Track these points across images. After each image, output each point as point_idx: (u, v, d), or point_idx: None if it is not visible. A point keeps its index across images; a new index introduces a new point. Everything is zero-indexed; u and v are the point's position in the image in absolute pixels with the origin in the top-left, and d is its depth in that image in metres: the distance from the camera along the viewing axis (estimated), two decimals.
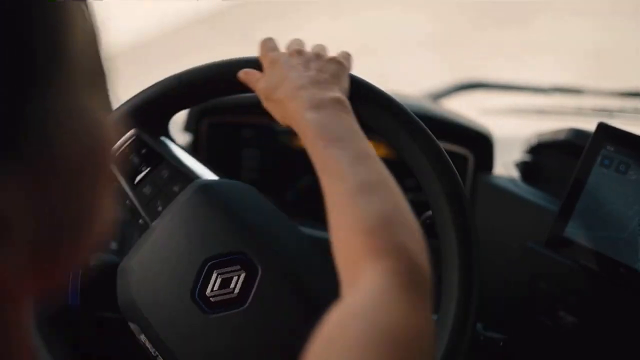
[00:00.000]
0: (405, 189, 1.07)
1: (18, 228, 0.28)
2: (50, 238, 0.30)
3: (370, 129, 0.70)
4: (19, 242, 0.28)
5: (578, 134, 0.93)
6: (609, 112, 1.19)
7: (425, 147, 0.66)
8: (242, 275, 0.64)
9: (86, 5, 0.32)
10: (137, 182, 0.72)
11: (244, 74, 0.68)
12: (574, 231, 0.80)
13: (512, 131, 1.26)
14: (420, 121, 0.68)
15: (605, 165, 0.79)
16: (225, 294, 0.64)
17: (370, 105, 0.68)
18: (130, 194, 0.71)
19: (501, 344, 0.71)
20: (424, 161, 0.66)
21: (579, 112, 1.26)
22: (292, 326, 0.64)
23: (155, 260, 0.66)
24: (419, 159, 0.67)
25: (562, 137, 0.96)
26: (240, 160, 1.11)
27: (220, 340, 0.63)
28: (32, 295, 0.31)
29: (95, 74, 0.32)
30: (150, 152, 0.72)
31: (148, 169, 0.72)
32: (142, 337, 0.66)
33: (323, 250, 0.71)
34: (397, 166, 1.06)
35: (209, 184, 0.70)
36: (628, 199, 0.77)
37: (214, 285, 0.64)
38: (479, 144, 1.07)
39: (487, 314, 0.70)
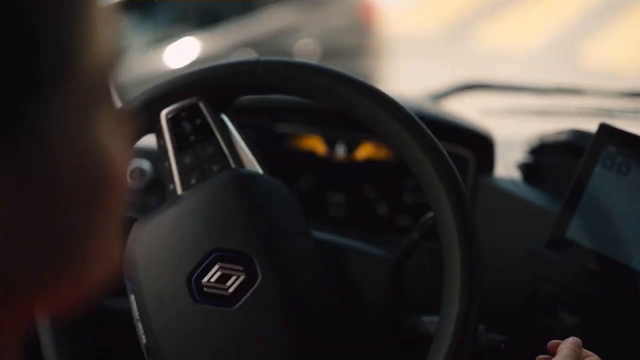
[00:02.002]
0: (406, 190, 1.07)
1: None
2: (35, 256, 0.28)
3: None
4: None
5: (579, 134, 0.93)
6: (611, 112, 1.19)
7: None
8: (242, 278, 0.64)
9: (110, 16, 0.31)
10: (182, 149, 0.71)
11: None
12: (575, 232, 0.79)
13: (513, 132, 1.25)
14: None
15: (606, 166, 0.79)
16: (219, 288, 0.64)
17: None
18: (171, 157, 0.71)
19: (503, 346, 0.70)
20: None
21: (580, 112, 1.26)
22: (271, 342, 0.63)
23: (168, 230, 0.66)
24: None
25: (563, 138, 0.96)
26: None
27: (199, 331, 0.63)
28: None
29: (103, 94, 0.30)
30: (204, 125, 0.71)
31: (196, 140, 0.71)
32: (132, 297, 0.66)
33: (328, 257, 0.71)
34: (398, 167, 1.06)
35: (247, 175, 0.69)
36: (630, 199, 0.77)
37: (211, 277, 0.64)
38: (480, 145, 1.07)
39: (488, 315, 0.70)
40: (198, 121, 0.71)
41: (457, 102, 1.56)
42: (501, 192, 1.01)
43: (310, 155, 1.05)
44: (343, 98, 0.68)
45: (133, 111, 0.71)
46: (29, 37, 0.26)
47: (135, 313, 0.65)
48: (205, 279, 0.64)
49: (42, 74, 0.27)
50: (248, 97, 0.75)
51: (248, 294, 0.64)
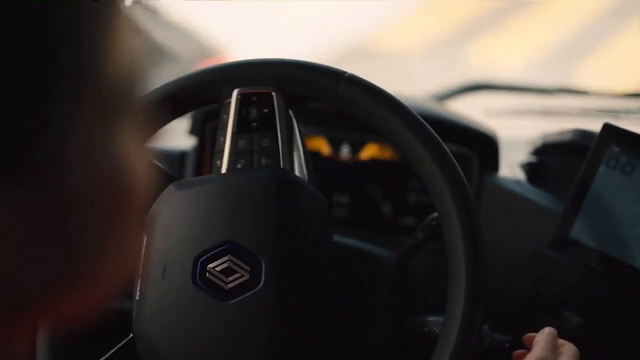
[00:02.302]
0: (410, 190, 1.07)
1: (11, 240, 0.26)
2: (46, 270, 0.28)
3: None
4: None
5: (583, 134, 0.93)
6: (614, 112, 1.19)
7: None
8: (245, 278, 0.64)
9: (134, 24, 0.30)
10: (240, 131, 0.71)
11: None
12: (579, 232, 0.80)
13: (517, 132, 1.26)
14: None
15: (610, 166, 0.79)
16: (220, 280, 0.64)
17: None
18: (228, 135, 0.71)
19: (507, 345, 0.70)
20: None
21: (584, 113, 1.26)
22: (252, 347, 0.64)
23: (197, 204, 0.66)
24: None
25: (567, 138, 0.96)
26: None
27: (188, 311, 0.64)
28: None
29: (125, 105, 0.29)
30: (269, 116, 0.71)
31: (256, 127, 0.71)
32: (142, 252, 0.66)
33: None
34: (402, 168, 1.06)
35: (290, 181, 0.68)
36: (634, 199, 0.77)
37: (218, 265, 0.64)
38: (484, 145, 1.07)
39: (492, 315, 0.70)
40: (265, 110, 0.70)
41: (461, 102, 1.56)
42: (505, 192, 1.01)
43: (315, 155, 1.06)
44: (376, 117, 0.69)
45: (215, 75, 0.72)
46: (48, 44, 0.26)
47: (139, 269, 0.65)
48: (212, 265, 0.64)
49: (61, 82, 0.26)
50: None
51: (244, 295, 0.63)
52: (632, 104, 1.27)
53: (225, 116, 0.71)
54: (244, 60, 0.72)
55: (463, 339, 0.62)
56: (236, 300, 0.63)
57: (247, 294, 0.63)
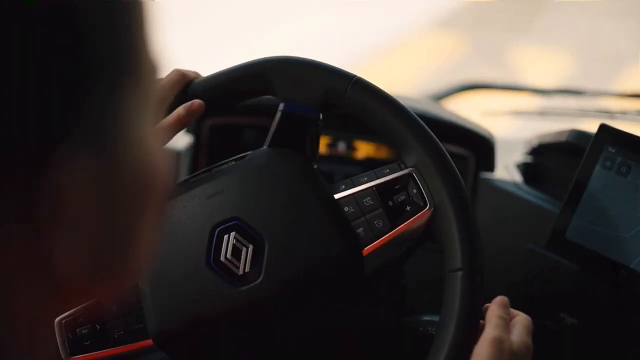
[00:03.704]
0: None
1: (72, 215, 0.27)
2: (92, 250, 0.29)
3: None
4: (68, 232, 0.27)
5: (579, 135, 0.93)
6: (611, 113, 1.19)
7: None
8: (251, 249, 0.66)
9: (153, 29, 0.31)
10: (377, 190, 0.69)
11: None
12: (575, 233, 0.80)
13: (513, 132, 1.26)
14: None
15: (606, 167, 0.79)
16: (232, 263, 0.66)
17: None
18: (367, 185, 0.69)
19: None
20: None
21: (580, 113, 1.26)
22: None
23: (266, 188, 0.68)
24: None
25: (563, 138, 0.96)
26: None
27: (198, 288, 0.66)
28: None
29: (153, 97, 0.31)
30: (420, 197, 0.69)
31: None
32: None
33: None
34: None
35: (322, 186, 0.69)
36: (630, 200, 0.77)
37: (227, 250, 0.66)
38: (480, 145, 1.07)
39: None
40: (408, 208, 0.67)
41: (458, 102, 1.56)
42: (501, 192, 1.01)
43: None
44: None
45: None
46: (87, 36, 0.26)
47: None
48: (222, 254, 0.66)
49: (100, 74, 0.27)
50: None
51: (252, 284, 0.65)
52: (628, 104, 1.27)
53: (387, 170, 0.69)
54: (444, 155, 0.68)
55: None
56: (213, 274, 0.65)
57: (223, 281, 0.65)
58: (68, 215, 0.27)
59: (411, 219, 0.66)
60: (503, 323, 0.61)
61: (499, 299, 0.63)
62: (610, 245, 0.77)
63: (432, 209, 0.66)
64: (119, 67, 0.28)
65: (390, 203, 0.67)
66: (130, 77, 0.29)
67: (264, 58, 0.72)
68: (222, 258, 0.65)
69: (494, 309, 0.62)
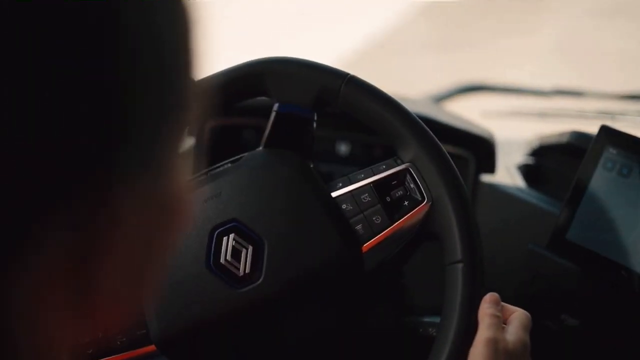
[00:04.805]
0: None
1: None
2: (119, 276, 0.29)
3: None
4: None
5: (580, 136, 0.93)
6: (611, 114, 1.19)
7: (422, 143, 0.67)
8: (250, 250, 0.66)
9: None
10: (374, 186, 0.69)
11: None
12: (576, 234, 0.80)
13: (514, 134, 1.26)
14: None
15: (607, 168, 0.79)
16: (233, 265, 0.66)
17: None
18: (364, 181, 0.69)
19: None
20: (426, 162, 0.66)
21: (581, 114, 1.26)
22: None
23: (264, 189, 0.67)
24: (417, 154, 0.67)
25: (564, 139, 0.96)
26: None
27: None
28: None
29: (178, 135, 0.31)
30: (417, 191, 0.68)
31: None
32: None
33: None
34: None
35: (325, 193, 0.69)
36: (630, 201, 0.77)
37: (226, 252, 0.66)
38: (481, 146, 1.07)
39: None
40: (406, 203, 0.68)
41: (458, 103, 1.56)
42: (502, 193, 1.01)
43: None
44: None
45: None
46: (125, 83, 0.26)
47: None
48: (222, 256, 0.65)
49: (140, 109, 0.27)
50: (249, 99, 0.75)
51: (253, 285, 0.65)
52: (629, 105, 1.27)
53: (384, 167, 0.69)
54: (441, 150, 0.68)
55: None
56: (214, 276, 0.65)
57: (223, 283, 0.65)
58: (119, 243, 0.28)
59: (409, 214, 0.67)
60: (496, 322, 0.60)
61: (489, 297, 0.62)
62: (611, 246, 0.77)
63: (430, 202, 0.66)
64: (169, 91, 0.28)
65: (388, 199, 0.67)
66: (176, 101, 0.29)
67: (259, 59, 0.72)
68: (222, 260, 0.65)
69: (485, 307, 0.61)
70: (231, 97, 0.74)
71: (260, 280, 0.64)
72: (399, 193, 0.67)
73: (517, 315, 0.62)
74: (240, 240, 0.66)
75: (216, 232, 0.66)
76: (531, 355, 0.61)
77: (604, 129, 0.80)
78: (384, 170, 0.68)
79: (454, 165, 0.67)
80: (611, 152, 0.79)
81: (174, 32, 0.28)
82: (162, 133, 0.28)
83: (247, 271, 0.65)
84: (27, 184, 0.24)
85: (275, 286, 0.65)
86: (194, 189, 0.68)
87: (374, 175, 0.68)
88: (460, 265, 0.63)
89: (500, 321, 0.60)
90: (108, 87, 0.25)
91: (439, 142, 0.67)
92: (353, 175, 0.70)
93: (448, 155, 0.67)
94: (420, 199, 0.67)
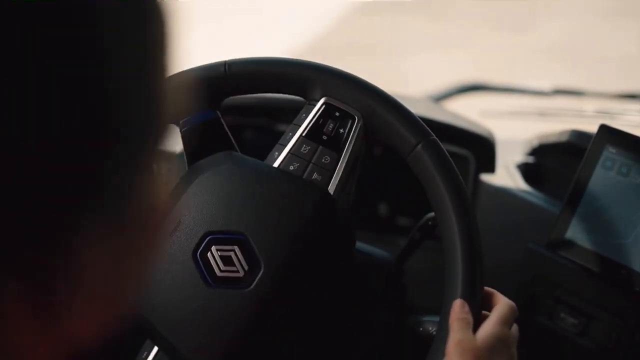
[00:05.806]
0: (408, 188, 1.08)
1: (87, 273, 0.28)
2: (106, 285, 0.29)
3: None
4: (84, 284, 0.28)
5: (580, 135, 0.93)
6: (611, 114, 1.19)
7: (331, 77, 0.68)
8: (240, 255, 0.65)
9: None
10: (309, 136, 0.69)
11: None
12: (575, 233, 0.80)
13: (514, 133, 1.26)
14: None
15: (607, 167, 0.79)
16: (231, 271, 0.65)
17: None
18: (297, 134, 0.69)
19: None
20: (337, 86, 0.68)
21: (580, 114, 1.26)
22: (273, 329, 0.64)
23: (236, 184, 0.67)
24: (331, 88, 0.68)
25: (563, 139, 0.96)
26: None
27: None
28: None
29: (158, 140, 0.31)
30: (343, 137, 0.69)
31: (325, 142, 0.69)
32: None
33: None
34: (399, 168, 1.06)
35: (326, 208, 0.67)
36: (630, 200, 0.77)
37: (219, 250, 0.65)
38: (480, 145, 1.07)
39: None
40: (341, 131, 0.69)
41: (458, 103, 1.56)
42: (501, 192, 1.01)
43: None
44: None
45: (314, 73, 0.71)
46: (109, 101, 0.26)
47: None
48: (216, 247, 0.65)
49: (125, 131, 0.27)
50: (249, 98, 0.75)
51: (229, 289, 0.64)
52: (628, 105, 1.27)
53: (304, 115, 0.70)
54: (347, 73, 0.70)
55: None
56: (220, 290, 0.64)
57: (232, 290, 0.64)
58: (86, 282, 0.28)
59: (350, 136, 0.68)
60: (464, 324, 0.60)
61: (455, 304, 0.62)
62: (610, 245, 0.77)
63: (362, 116, 0.68)
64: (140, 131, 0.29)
65: (325, 137, 0.68)
66: (155, 99, 0.29)
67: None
68: (218, 274, 0.64)
69: (452, 314, 0.61)
70: (268, 88, 0.74)
71: (263, 266, 0.64)
72: (330, 127, 0.69)
73: (496, 308, 0.63)
74: (222, 247, 0.65)
75: (198, 254, 0.65)
76: (531, 355, 0.61)
77: (604, 128, 0.80)
78: (306, 117, 0.70)
79: (359, 77, 0.69)
80: (610, 151, 0.79)
81: (147, 31, 0.28)
82: (147, 133, 0.29)
83: (246, 268, 0.64)
84: (27, 184, 0.24)
85: (277, 263, 0.64)
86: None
87: (300, 126, 0.70)
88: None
89: (466, 322, 0.60)
90: (94, 88, 0.26)
91: (336, 68, 0.69)
92: (282, 139, 0.71)
93: (351, 73, 0.69)
94: (351, 120, 0.68)
